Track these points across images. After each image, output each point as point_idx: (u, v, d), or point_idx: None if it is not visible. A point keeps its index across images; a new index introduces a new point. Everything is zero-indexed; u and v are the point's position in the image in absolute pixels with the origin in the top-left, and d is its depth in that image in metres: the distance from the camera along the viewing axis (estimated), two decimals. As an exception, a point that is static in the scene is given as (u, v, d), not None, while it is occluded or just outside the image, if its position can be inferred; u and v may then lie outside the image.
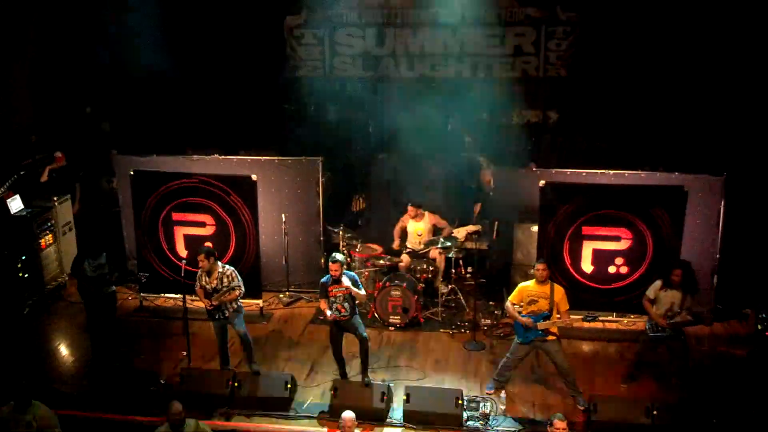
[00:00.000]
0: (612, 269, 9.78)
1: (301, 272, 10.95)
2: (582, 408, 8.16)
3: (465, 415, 8.03)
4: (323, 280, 8.38)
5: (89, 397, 8.44)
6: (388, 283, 10.01)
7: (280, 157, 10.87)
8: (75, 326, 10.23)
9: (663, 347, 8.45)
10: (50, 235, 11.01)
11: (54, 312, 10.71)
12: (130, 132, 13.37)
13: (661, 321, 8.27)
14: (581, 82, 13.39)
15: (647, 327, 8.48)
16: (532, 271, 8.56)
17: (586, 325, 10.03)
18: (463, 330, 9.99)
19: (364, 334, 8.47)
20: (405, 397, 8.09)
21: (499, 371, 8.57)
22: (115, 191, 11.37)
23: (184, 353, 9.04)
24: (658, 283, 8.42)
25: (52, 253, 11.09)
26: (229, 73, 13.84)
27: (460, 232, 11.25)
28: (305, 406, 8.38)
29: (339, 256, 8.27)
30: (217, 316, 8.66)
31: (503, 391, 8.43)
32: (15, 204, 10.70)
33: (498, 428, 7.93)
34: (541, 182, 9.72)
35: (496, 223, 10.49)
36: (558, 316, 8.13)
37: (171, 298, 10.67)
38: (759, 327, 8.95)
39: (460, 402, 8.00)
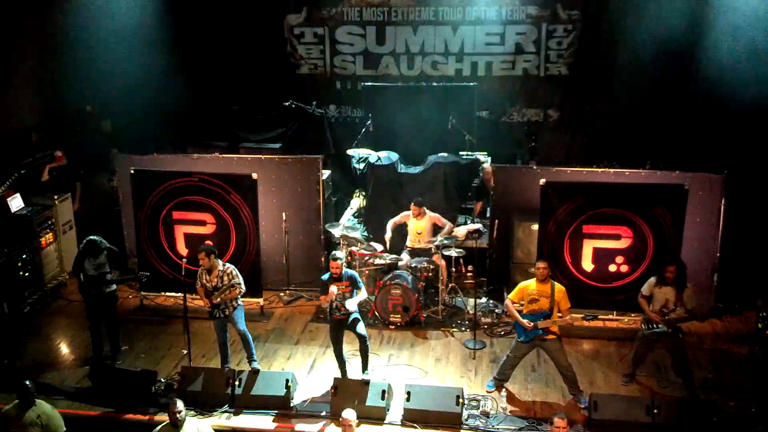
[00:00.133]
0: (612, 268, 9.77)
1: (302, 271, 10.94)
2: (582, 406, 8.16)
3: (465, 413, 8.02)
4: (324, 277, 8.39)
5: (90, 396, 8.44)
6: (388, 282, 10.00)
7: (280, 156, 10.87)
8: (75, 325, 10.23)
9: (661, 345, 8.45)
10: (50, 234, 11.02)
11: (54, 310, 10.71)
12: (130, 131, 13.39)
13: (655, 318, 8.27)
14: (582, 80, 13.40)
15: (642, 326, 8.49)
16: (532, 269, 8.56)
17: (587, 323, 10.03)
18: (463, 329, 9.99)
19: (364, 332, 8.48)
20: (405, 396, 8.09)
21: (499, 369, 8.57)
22: (115, 190, 11.38)
23: (185, 352, 9.04)
24: (652, 280, 8.43)
25: (53, 252, 11.09)
26: (230, 72, 13.86)
27: (461, 231, 11.25)
28: (305, 404, 8.38)
29: (339, 254, 8.29)
30: (217, 315, 8.67)
31: (504, 390, 8.44)
32: (15, 202, 10.71)
33: (498, 427, 7.92)
34: (542, 181, 9.71)
35: (496, 221, 10.48)
36: (559, 315, 8.13)
37: (171, 296, 10.67)
38: (759, 326, 8.94)
39: (460, 400, 8.00)
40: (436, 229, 10.70)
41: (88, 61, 12.94)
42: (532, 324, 8.11)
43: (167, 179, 10.21)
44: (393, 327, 10.01)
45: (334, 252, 8.38)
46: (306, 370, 9.08)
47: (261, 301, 10.45)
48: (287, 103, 12.96)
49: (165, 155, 10.95)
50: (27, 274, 10.50)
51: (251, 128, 13.92)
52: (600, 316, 10.11)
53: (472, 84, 13.44)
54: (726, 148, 11.23)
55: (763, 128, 11.24)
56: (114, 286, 9.30)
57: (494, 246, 10.68)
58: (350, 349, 8.77)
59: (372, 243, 10.89)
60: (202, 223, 10.30)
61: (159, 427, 7.27)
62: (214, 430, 7.61)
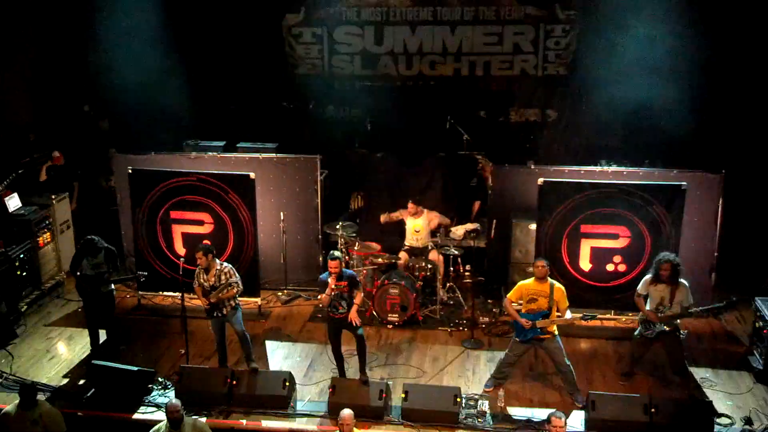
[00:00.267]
0: (610, 267, 9.78)
1: (300, 270, 10.94)
2: (580, 405, 8.16)
3: (463, 412, 8.03)
4: (323, 276, 8.39)
5: (87, 395, 8.43)
6: (386, 281, 10.01)
7: (278, 155, 10.87)
8: (73, 325, 10.22)
9: (658, 344, 8.45)
10: (48, 234, 11.01)
11: (52, 310, 10.69)
12: (128, 130, 13.37)
13: (652, 316, 8.29)
14: (580, 80, 13.40)
15: (640, 325, 8.51)
16: (530, 269, 8.56)
17: (584, 323, 10.01)
18: (461, 328, 9.99)
19: (362, 331, 8.48)
20: (403, 395, 8.09)
21: (497, 368, 8.56)
22: (113, 189, 11.37)
23: (183, 351, 9.03)
24: (647, 278, 8.46)
25: (50, 252, 11.08)
26: (228, 72, 13.85)
27: (459, 231, 11.26)
28: (303, 404, 8.37)
29: (338, 254, 8.30)
30: (215, 314, 8.66)
31: (501, 389, 8.43)
32: (13, 202, 10.70)
33: (496, 426, 7.93)
34: (540, 180, 9.72)
35: (494, 221, 10.48)
36: (558, 314, 8.13)
37: (169, 296, 10.66)
38: (757, 325, 8.94)
39: (458, 400, 8.00)
40: (436, 223, 10.70)
41: (86, 61, 12.93)
42: (530, 323, 8.11)
43: (165, 179, 10.21)
44: (391, 326, 10.01)
45: (332, 251, 8.39)
46: (304, 369, 9.07)
47: (259, 300, 10.45)
48: (285, 104, 12.96)
49: (162, 155, 10.94)
50: (25, 273, 10.49)
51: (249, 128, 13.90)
52: (598, 316, 10.09)
53: (470, 84, 13.44)
54: (724, 147, 11.24)
55: (762, 128, 11.26)
56: (112, 286, 9.30)
57: (492, 245, 10.68)
58: (348, 348, 8.77)
59: (369, 243, 10.89)
60: (200, 222, 10.30)
61: (157, 426, 7.26)
62: (212, 429, 7.59)
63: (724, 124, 11.64)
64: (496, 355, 9.16)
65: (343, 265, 8.46)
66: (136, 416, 8.17)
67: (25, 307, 10.44)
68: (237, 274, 8.67)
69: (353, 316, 8.29)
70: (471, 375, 8.94)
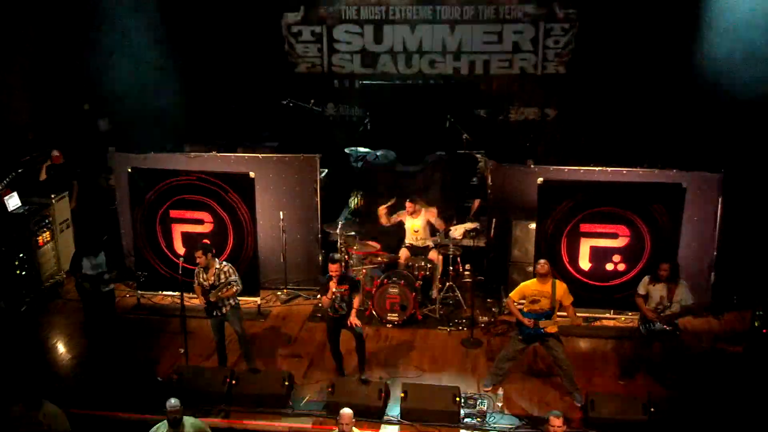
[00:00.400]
0: (609, 266, 9.78)
1: (299, 270, 10.94)
2: (579, 405, 8.17)
3: (462, 412, 8.03)
4: (323, 278, 8.40)
5: (87, 395, 8.43)
6: (386, 281, 10.00)
7: (278, 154, 10.86)
8: (72, 324, 10.22)
9: (658, 343, 8.46)
10: (47, 233, 11.00)
11: (51, 310, 10.69)
12: (128, 129, 13.36)
13: (652, 316, 8.30)
14: (579, 79, 13.41)
15: (639, 325, 8.52)
16: (530, 268, 8.57)
17: (584, 323, 10.04)
18: (460, 327, 9.99)
19: (361, 331, 8.48)
20: (402, 395, 8.09)
21: (496, 364, 8.56)
22: (112, 189, 11.37)
23: (182, 350, 9.02)
24: (646, 278, 8.49)
25: (50, 251, 11.07)
26: (227, 70, 13.85)
27: (458, 230, 11.25)
28: (303, 403, 8.37)
29: (338, 256, 8.33)
30: (214, 313, 8.67)
31: (501, 388, 8.43)
32: (12, 201, 10.69)
33: (495, 425, 7.94)
34: (539, 179, 9.72)
35: (494, 220, 10.48)
36: (562, 313, 8.16)
37: (169, 295, 10.67)
38: (756, 324, 8.95)
39: (457, 399, 8.00)
40: (432, 227, 10.70)
41: (85, 60, 12.91)
42: (533, 323, 8.12)
43: (164, 178, 10.21)
44: (390, 325, 10.01)
45: (332, 255, 8.41)
46: (303, 369, 9.07)
47: (258, 299, 10.44)
48: (285, 102, 12.96)
49: (162, 154, 10.93)
50: (24, 273, 10.48)
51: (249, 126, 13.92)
52: (597, 315, 10.11)
53: (469, 82, 13.44)
54: (724, 146, 11.23)
55: (761, 127, 11.25)
56: (112, 285, 9.30)
57: (492, 245, 10.68)
58: (347, 347, 8.77)
59: (369, 242, 10.88)
60: (200, 221, 10.29)
61: (156, 426, 7.26)
62: (212, 429, 7.59)
63: (724, 123, 11.62)
64: (495, 354, 9.16)
65: (344, 268, 8.46)
66: (134, 416, 8.17)
67: (25, 306, 10.44)
68: (236, 273, 8.67)
69: (353, 320, 8.31)
70: (470, 374, 8.94)
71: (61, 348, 9.76)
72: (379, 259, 10.52)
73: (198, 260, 8.54)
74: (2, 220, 10.42)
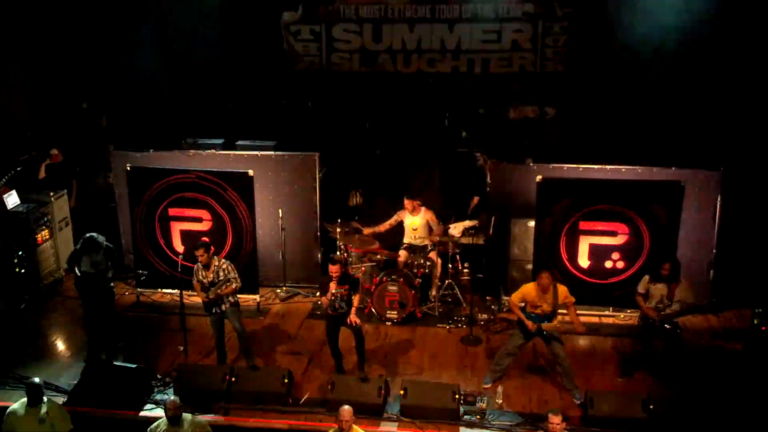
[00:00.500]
0: (608, 264, 9.79)
1: (298, 267, 10.94)
2: (578, 402, 8.18)
3: (462, 409, 8.03)
4: (323, 280, 8.42)
5: (86, 393, 8.42)
6: (385, 278, 10.00)
7: (276, 153, 10.86)
8: (72, 322, 10.21)
9: (658, 341, 8.47)
10: (47, 231, 10.99)
11: (50, 307, 10.68)
12: (126, 127, 13.36)
13: (652, 314, 8.31)
14: (578, 77, 13.40)
15: (639, 323, 8.53)
16: (528, 266, 8.57)
17: (583, 320, 10.03)
18: (460, 325, 9.99)
19: (360, 328, 8.48)
20: (402, 392, 8.10)
21: (495, 359, 8.58)
22: (111, 187, 11.36)
23: (181, 348, 9.03)
24: (646, 277, 8.52)
25: (49, 249, 11.06)
26: (226, 69, 13.83)
27: (457, 228, 11.23)
28: (302, 400, 8.37)
29: (338, 257, 8.35)
30: (214, 311, 8.67)
31: (500, 386, 8.44)
32: (11, 199, 10.69)
33: (495, 422, 7.94)
34: (538, 177, 9.72)
35: (493, 218, 10.48)
36: (564, 312, 8.19)
37: (168, 293, 10.66)
38: (755, 321, 8.96)
39: (457, 396, 8.01)
40: (431, 226, 10.70)
41: (84, 58, 12.91)
42: (536, 326, 8.14)
43: (163, 176, 10.20)
44: (390, 323, 10.02)
45: (332, 256, 8.42)
46: (303, 366, 9.07)
47: (258, 297, 10.44)
48: (284, 101, 12.97)
49: (161, 152, 10.93)
50: (23, 271, 10.48)
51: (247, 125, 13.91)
52: (596, 313, 10.11)
53: (468, 81, 13.44)
54: (723, 144, 11.24)
55: (760, 125, 11.26)
56: (111, 283, 9.29)
57: (491, 243, 10.68)
58: (347, 345, 8.77)
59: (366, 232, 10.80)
60: (199, 219, 10.30)
61: (156, 423, 7.27)
62: (211, 426, 7.60)
63: (723, 120, 11.63)
64: (494, 352, 9.17)
65: (344, 268, 8.47)
66: (134, 414, 8.16)
67: (24, 304, 10.43)
68: (236, 271, 8.68)
69: (353, 319, 8.31)
70: (469, 372, 8.95)
71: (60, 345, 9.75)
72: (379, 256, 10.51)
73: (199, 258, 8.54)
74: (1, 218, 10.42)
